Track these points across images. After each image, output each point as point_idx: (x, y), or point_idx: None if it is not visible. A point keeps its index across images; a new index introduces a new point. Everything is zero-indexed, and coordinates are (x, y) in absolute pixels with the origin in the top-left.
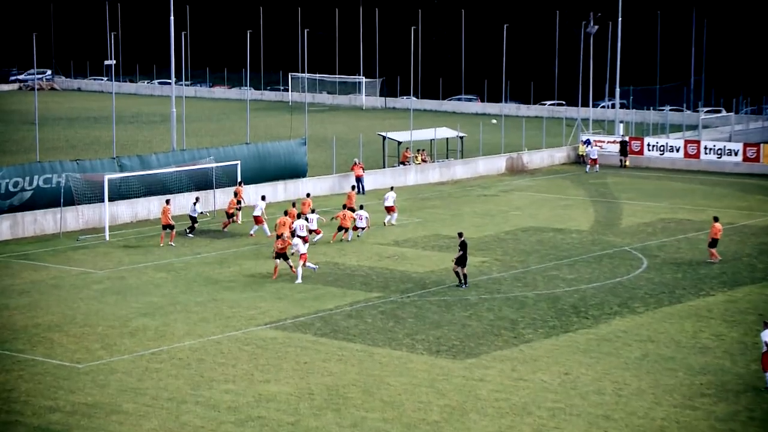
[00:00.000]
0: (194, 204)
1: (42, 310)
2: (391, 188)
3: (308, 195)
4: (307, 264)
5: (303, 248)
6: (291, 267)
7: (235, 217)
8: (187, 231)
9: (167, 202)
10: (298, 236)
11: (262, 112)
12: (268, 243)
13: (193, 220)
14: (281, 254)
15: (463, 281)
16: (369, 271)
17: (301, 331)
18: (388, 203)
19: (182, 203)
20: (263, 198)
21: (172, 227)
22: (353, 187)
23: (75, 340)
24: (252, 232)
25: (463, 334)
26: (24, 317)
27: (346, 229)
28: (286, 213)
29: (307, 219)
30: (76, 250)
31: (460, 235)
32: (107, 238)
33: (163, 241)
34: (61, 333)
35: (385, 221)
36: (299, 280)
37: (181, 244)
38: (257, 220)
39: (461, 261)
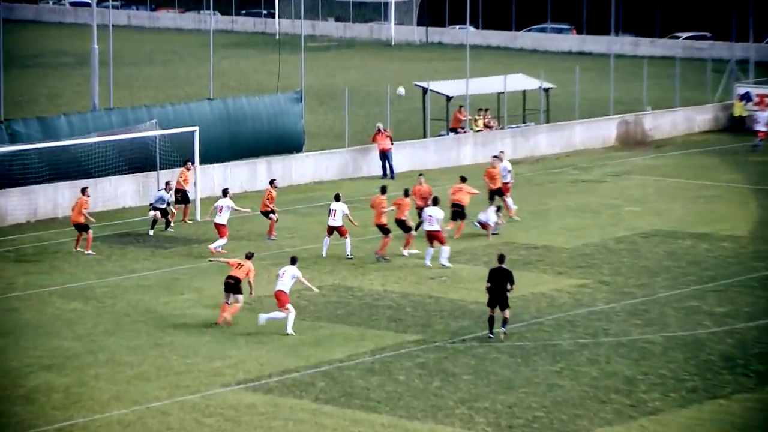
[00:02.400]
0: (165, 190)
1: None
2: (420, 175)
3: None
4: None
5: None
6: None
7: (170, 215)
8: (166, 227)
9: (83, 191)
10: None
11: (233, 50)
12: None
13: (164, 211)
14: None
15: (495, 330)
16: (401, 300)
17: (294, 395)
18: (432, 227)
19: (109, 193)
20: (225, 193)
21: (86, 228)
22: (406, 193)
23: None
24: (213, 247)
25: (549, 401)
26: None
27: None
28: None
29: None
30: None
31: (501, 258)
32: None
33: (78, 246)
34: None
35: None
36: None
37: (105, 255)
38: (220, 231)
39: (497, 297)
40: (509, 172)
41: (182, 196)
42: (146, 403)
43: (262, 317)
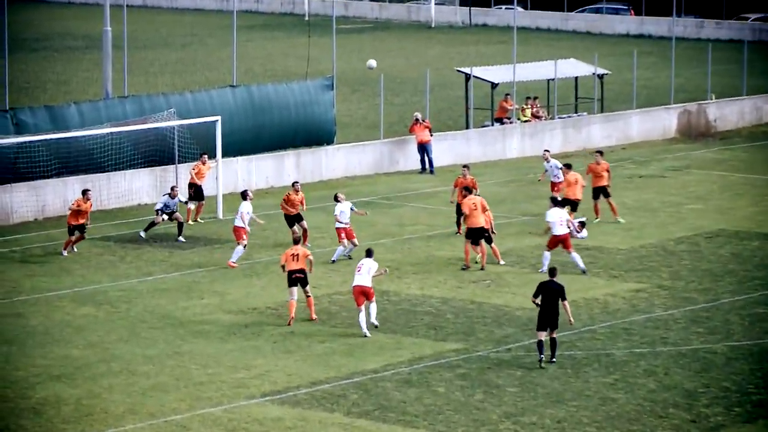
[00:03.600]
0: (170, 195)
1: None
2: (465, 167)
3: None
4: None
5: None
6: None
7: (186, 214)
8: (179, 233)
9: (84, 194)
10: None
11: (258, 33)
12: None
13: (171, 215)
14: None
15: (546, 355)
16: (441, 306)
17: (324, 409)
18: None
19: (123, 188)
20: (245, 196)
21: (82, 228)
22: (468, 190)
23: None
24: (233, 261)
25: (602, 416)
26: None
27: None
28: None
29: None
30: None
31: (553, 272)
32: None
33: (68, 247)
34: None
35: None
36: (373, 320)
37: (119, 257)
38: (237, 233)
39: (547, 318)
40: (561, 169)
41: (195, 192)
42: (164, 417)
43: (364, 322)
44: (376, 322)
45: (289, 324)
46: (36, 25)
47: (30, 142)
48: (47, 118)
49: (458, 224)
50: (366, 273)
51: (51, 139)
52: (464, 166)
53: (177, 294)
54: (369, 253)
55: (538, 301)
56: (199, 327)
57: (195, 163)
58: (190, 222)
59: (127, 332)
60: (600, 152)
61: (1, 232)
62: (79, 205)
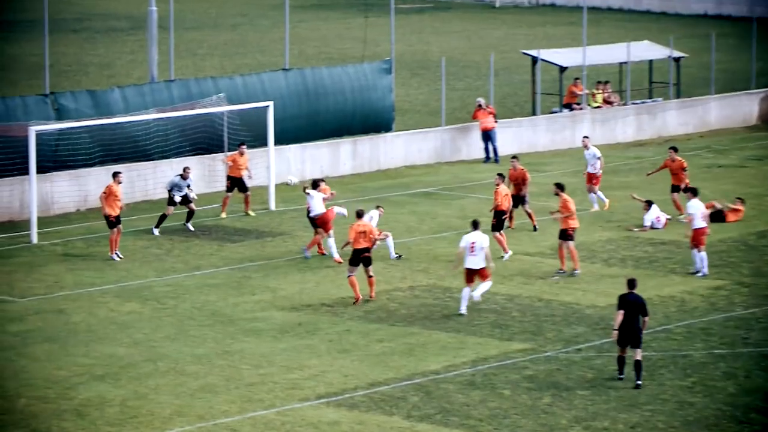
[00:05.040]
0: (181, 176)
1: None
2: (514, 157)
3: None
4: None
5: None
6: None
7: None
8: (187, 220)
9: (114, 176)
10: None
11: (312, 13)
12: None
13: (186, 200)
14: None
15: (629, 376)
16: (507, 304)
17: (383, 412)
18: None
19: (170, 177)
20: (316, 185)
21: (117, 222)
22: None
23: None
24: (334, 256)
25: (679, 421)
26: None
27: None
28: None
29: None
30: None
31: (632, 284)
32: (34, 239)
33: (116, 247)
34: None
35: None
36: (477, 297)
37: (165, 250)
38: (326, 224)
39: (628, 334)
40: (599, 159)
41: (234, 184)
42: (213, 419)
43: (475, 296)
44: (479, 298)
45: (355, 303)
46: (77, 4)
47: (71, 128)
48: (89, 103)
49: (510, 218)
50: (480, 251)
51: (93, 125)
52: (513, 157)
53: (227, 290)
54: (476, 225)
55: (620, 318)
56: (250, 325)
57: (230, 153)
58: (223, 216)
59: (175, 330)
60: (674, 148)
61: (41, 224)
62: (110, 189)
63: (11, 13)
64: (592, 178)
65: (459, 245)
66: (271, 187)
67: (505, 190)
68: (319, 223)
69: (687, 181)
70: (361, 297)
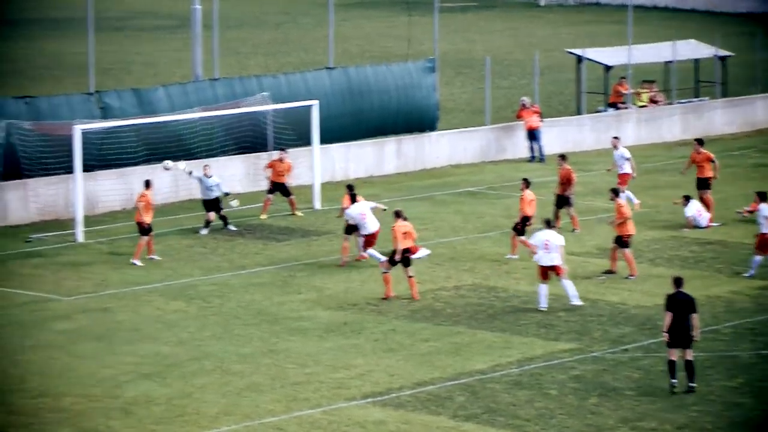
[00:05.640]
0: (200, 174)
1: None
2: (561, 157)
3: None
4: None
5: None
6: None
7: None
8: (226, 224)
9: (147, 185)
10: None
11: (356, 11)
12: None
13: (215, 205)
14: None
15: (681, 380)
16: (552, 303)
17: (429, 411)
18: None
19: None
20: (353, 197)
21: (149, 230)
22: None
23: (25, 421)
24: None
25: (726, 422)
26: None
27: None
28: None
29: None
30: (23, 258)
31: (679, 282)
32: (80, 238)
33: (149, 252)
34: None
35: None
36: (575, 300)
37: (211, 249)
38: (368, 239)
39: (678, 335)
40: (627, 159)
41: (274, 187)
42: (259, 418)
43: (575, 301)
44: (578, 302)
45: (385, 297)
46: (121, 2)
47: (116, 126)
48: (134, 102)
49: (556, 217)
50: (554, 250)
51: (138, 123)
52: (560, 156)
53: (272, 289)
54: (548, 223)
55: (669, 319)
56: (295, 324)
57: (272, 158)
58: (263, 217)
59: (220, 329)
60: (699, 141)
61: (86, 222)
62: (146, 197)
63: (56, 11)
64: (623, 178)
65: (531, 243)
66: (316, 187)
67: (531, 196)
68: (372, 239)
69: (713, 174)
70: (392, 294)
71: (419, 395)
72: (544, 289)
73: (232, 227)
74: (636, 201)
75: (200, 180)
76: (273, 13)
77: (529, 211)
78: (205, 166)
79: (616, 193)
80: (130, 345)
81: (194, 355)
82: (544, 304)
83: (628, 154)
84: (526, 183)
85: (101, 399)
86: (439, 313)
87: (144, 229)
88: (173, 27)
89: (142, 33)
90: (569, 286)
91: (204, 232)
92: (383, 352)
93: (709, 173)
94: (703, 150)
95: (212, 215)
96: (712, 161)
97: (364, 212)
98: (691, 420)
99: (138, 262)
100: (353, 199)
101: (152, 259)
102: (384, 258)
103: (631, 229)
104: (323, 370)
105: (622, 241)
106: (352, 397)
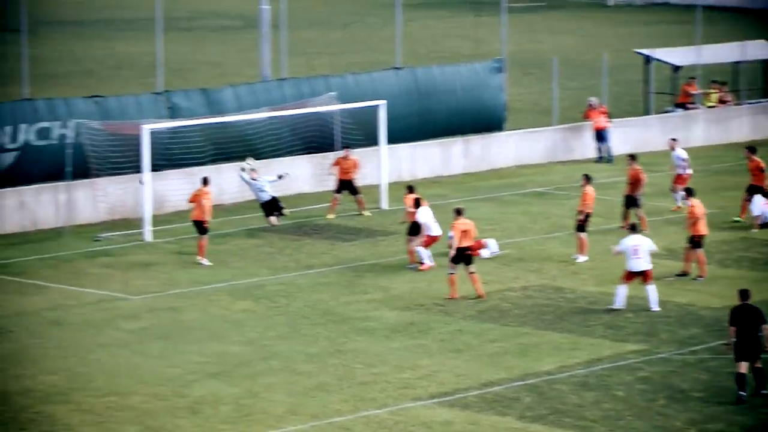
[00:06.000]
0: (247, 178)
1: (35, 364)
2: (630, 156)
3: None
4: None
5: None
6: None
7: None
8: (277, 214)
9: (204, 182)
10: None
11: (423, 11)
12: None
13: (273, 205)
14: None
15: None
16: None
17: (496, 412)
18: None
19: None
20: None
21: (205, 229)
22: (587, 179)
23: (93, 419)
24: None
25: None
26: (4, 377)
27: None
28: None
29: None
30: (92, 257)
31: (745, 295)
32: (148, 237)
33: (203, 253)
34: (68, 406)
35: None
36: (655, 306)
37: (278, 249)
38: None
39: (747, 348)
40: (684, 161)
41: (344, 187)
42: (326, 418)
43: (654, 307)
44: (657, 309)
45: (450, 298)
46: (190, 2)
47: (184, 126)
48: (202, 102)
49: (624, 217)
50: (644, 255)
51: (206, 123)
52: (630, 156)
53: (339, 288)
54: (634, 228)
55: (733, 333)
56: (362, 324)
57: (338, 156)
58: (330, 217)
59: (287, 328)
60: (751, 148)
61: (154, 222)
62: (209, 196)
63: (126, 12)
64: (679, 179)
65: (615, 249)
66: (383, 187)
67: (592, 192)
68: (433, 242)
69: (765, 183)
70: (457, 296)
71: (486, 396)
72: (623, 290)
73: (284, 212)
74: (680, 204)
75: (249, 183)
76: (340, 13)
77: (590, 207)
78: (252, 170)
79: (690, 192)
80: (197, 344)
81: (261, 355)
82: (620, 304)
83: (685, 155)
84: (588, 179)
85: (169, 398)
86: (507, 313)
87: (204, 228)
88: (241, 27)
89: (210, 33)
90: (652, 292)
91: (275, 221)
92: (450, 352)
93: (761, 182)
94: (755, 158)
95: (273, 219)
96: (762, 170)
97: (430, 218)
98: (760, 422)
99: (205, 261)
100: (417, 204)
101: (202, 262)
102: (430, 262)
103: (702, 229)
104: (390, 370)
105: (693, 241)
106: (418, 398)
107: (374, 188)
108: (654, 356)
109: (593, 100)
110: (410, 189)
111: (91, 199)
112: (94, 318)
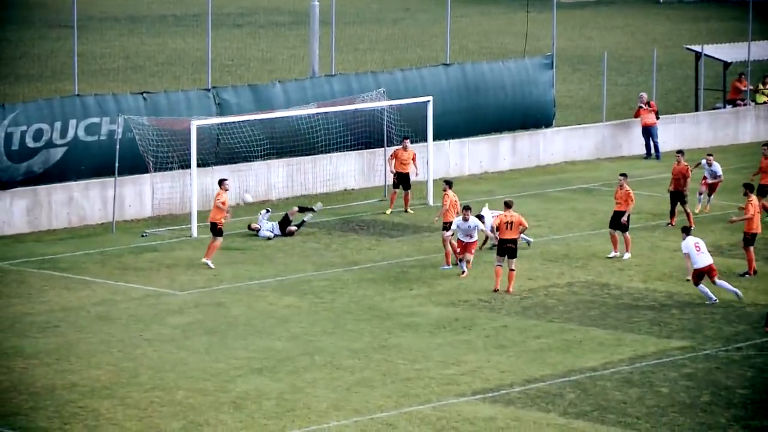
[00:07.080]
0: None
1: (81, 359)
2: (679, 152)
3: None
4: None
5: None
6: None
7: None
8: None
9: (221, 184)
10: None
11: (473, 8)
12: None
13: (285, 225)
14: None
15: None
16: (665, 301)
17: (539, 408)
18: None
19: (329, 172)
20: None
21: (220, 231)
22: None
23: (137, 414)
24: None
25: None
26: (50, 372)
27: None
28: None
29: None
30: (139, 253)
31: None
32: (195, 233)
33: (210, 254)
34: (113, 401)
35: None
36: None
37: (324, 244)
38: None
39: None
40: (718, 177)
41: (400, 180)
42: (369, 414)
43: (708, 290)
44: (740, 294)
45: (495, 290)
46: None
47: (233, 122)
48: (251, 98)
49: (671, 215)
50: (706, 251)
51: (253, 119)
52: (678, 152)
53: (384, 284)
54: (687, 231)
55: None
56: (407, 320)
57: (396, 148)
58: (389, 212)
59: (332, 324)
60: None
61: (201, 217)
62: (216, 196)
63: (176, 8)
64: (710, 185)
65: (687, 262)
66: (430, 183)
67: (629, 190)
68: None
69: None
70: (500, 288)
71: (529, 392)
72: (703, 288)
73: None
74: (701, 204)
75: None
76: (391, 9)
77: (626, 206)
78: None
79: (750, 189)
80: (242, 340)
81: (306, 350)
82: (711, 296)
83: (720, 172)
84: (624, 177)
85: (213, 393)
86: (551, 309)
87: (218, 230)
88: (290, 23)
89: (259, 30)
90: (726, 285)
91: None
92: (494, 348)
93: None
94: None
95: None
96: None
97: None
98: None
99: (210, 263)
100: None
101: (208, 263)
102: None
103: (756, 227)
104: (434, 366)
105: (745, 239)
106: (462, 393)
107: (422, 184)
108: (699, 353)
109: (643, 96)
110: (448, 184)
111: (138, 195)
112: (140, 313)
